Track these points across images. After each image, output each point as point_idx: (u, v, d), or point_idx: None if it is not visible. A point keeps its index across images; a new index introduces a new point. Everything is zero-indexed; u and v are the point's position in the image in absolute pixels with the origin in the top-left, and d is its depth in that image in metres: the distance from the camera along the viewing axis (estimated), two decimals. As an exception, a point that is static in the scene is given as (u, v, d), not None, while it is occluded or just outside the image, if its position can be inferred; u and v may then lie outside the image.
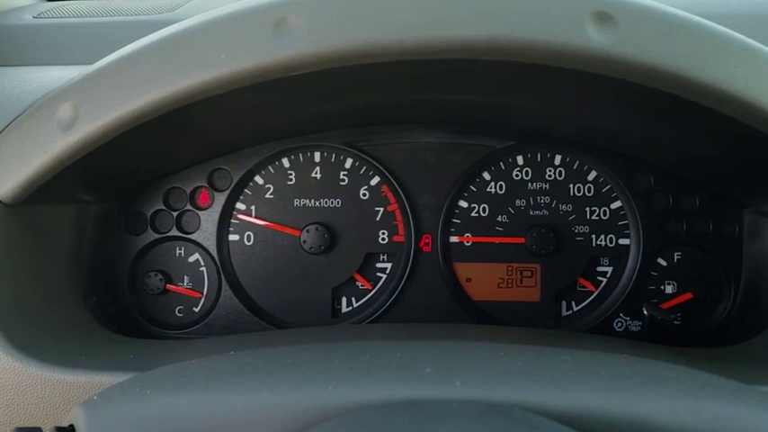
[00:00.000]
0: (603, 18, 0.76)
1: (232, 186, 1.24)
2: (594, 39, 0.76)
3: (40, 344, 0.89)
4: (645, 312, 1.18)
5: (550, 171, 1.25)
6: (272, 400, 0.61)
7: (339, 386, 0.64)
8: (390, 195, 1.25)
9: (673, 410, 0.60)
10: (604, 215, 1.24)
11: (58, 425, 0.66)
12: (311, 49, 0.77)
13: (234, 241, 1.25)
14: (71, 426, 0.66)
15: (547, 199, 1.24)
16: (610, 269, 1.24)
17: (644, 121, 1.01)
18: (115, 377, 0.82)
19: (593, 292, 1.25)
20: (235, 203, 1.25)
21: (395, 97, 1.12)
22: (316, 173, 1.25)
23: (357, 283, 1.26)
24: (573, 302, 1.25)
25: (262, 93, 0.89)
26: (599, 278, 1.25)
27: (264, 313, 1.24)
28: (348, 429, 0.59)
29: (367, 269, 1.26)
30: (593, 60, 0.77)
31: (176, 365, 0.70)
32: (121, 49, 0.85)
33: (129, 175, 1.16)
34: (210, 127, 1.04)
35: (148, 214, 1.24)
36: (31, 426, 0.66)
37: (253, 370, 0.68)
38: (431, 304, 1.24)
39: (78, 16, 1.32)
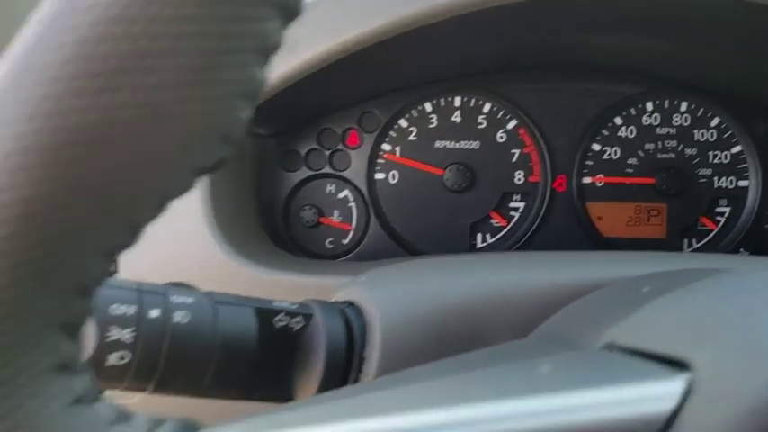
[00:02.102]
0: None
1: (379, 129, 1.33)
2: None
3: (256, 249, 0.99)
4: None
5: (677, 117, 1.33)
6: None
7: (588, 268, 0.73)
8: (527, 138, 1.33)
9: None
10: (725, 159, 1.33)
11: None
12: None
13: (380, 179, 1.34)
14: (347, 302, 0.75)
15: (674, 143, 1.33)
16: (728, 209, 1.33)
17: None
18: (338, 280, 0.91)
19: (713, 230, 1.34)
20: (381, 144, 1.34)
21: (534, 39, 1.20)
22: (456, 117, 1.34)
23: (492, 220, 1.35)
24: (694, 240, 1.34)
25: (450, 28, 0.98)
26: (718, 218, 1.34)
27: (409, 245, 1.33)
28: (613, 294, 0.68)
29: (502, 207, 1.34)
30: None
31: (441, 259, 0.79)
32: None
33: (309, 110, 1.25)
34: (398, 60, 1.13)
35: (303, 153, 1.33)
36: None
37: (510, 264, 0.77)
38: (563, 241, 1.33)
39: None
